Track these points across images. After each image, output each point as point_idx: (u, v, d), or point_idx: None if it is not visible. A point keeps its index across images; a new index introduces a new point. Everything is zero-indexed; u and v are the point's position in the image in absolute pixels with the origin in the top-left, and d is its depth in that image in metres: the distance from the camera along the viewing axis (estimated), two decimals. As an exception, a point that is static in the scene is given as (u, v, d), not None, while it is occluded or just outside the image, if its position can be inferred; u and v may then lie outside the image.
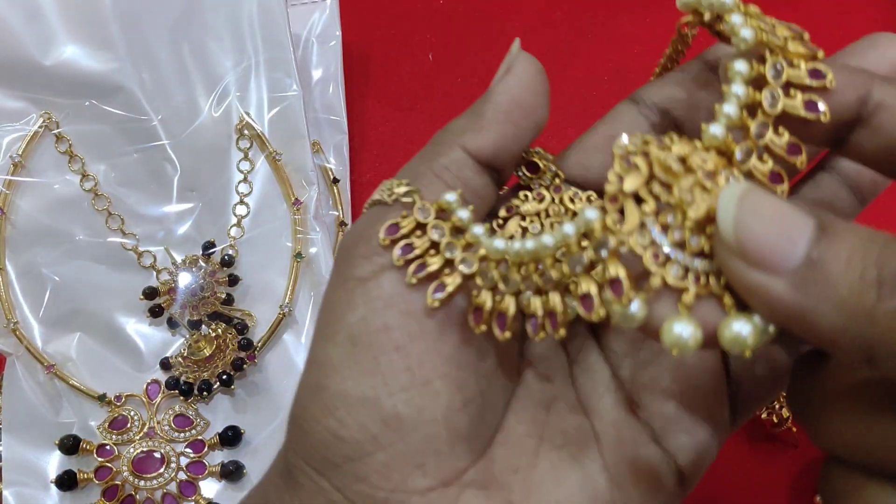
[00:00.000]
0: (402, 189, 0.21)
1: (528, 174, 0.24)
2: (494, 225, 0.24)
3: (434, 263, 0.21)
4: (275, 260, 0.42)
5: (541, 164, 0.24)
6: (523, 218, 0.24)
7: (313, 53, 0.46)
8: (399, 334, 0.21)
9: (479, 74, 0.48)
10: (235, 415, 0.40)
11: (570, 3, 0.51)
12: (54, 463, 0.38)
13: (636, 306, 0.19)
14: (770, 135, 0.20)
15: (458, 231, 0.21)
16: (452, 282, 0.21)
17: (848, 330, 0.17)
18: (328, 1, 0.47)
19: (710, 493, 0.39)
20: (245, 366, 0.40)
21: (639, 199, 0.19)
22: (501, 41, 0.49)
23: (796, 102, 0.20)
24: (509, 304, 0.21)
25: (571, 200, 0.24)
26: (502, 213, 0.24)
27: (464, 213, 0.21)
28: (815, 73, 0.21)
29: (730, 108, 0.20)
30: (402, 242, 0.21)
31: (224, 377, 0.39)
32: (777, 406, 0.38)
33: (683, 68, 0.25)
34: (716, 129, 0.20)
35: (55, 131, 0.42)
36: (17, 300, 0.40)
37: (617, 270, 0.19)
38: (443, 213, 0.21)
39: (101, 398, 0.38)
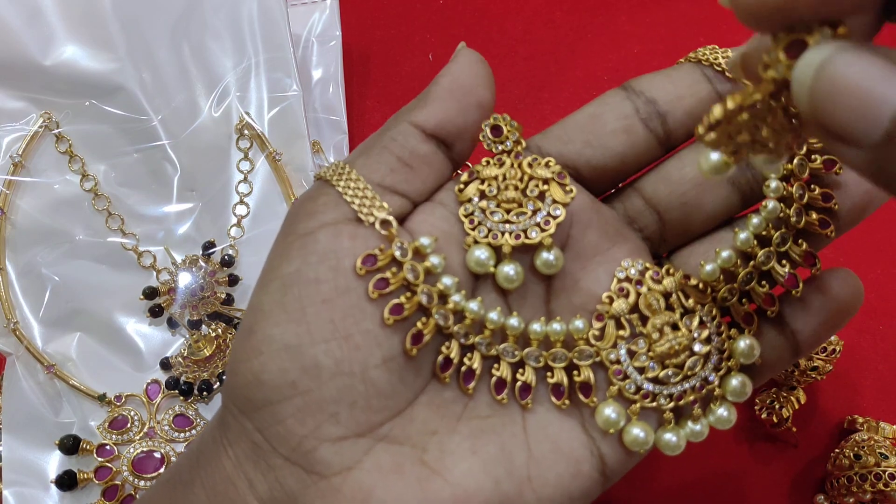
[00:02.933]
0: (382, 215, 0.23)
1: (491, 137, 0.25)
2: (456, 190, 0.25)
3: (410, 309, 0.23)
4: (275, 260, 0.42)
5: (504, 128, 0.25)
6: (482, 182, 0.25)
7: (313, 53, 0.46)
8: (327, 288, 0.22)
9: (479, 74, 0.48)
10: (235, 415, 0.40)
11: (570, 3, 0.51)
12: (54, 463, 0.38)
13: (610, 411, 0.24)
14: (754, 284, 0.25)
15: (430, 274, 0.23)
16: (429, 332, 0.23)
17: None
18: (328, 1, 0.47)
19: (710, 492, 0.39)
20: (245, 366, 0.39)
21: (621, 321, 0.25)
22: (501, 41, 0.49)
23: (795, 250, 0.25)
24: (476, 364, 0.24)
25: (529, 165, 0.25)
26: (464, 177, 0.25)
27: (435, 259, 0.23)
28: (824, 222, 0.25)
29: (726, 253, 0.25)
30: (378, 276, 0.23)
31: (224, 377, 0.39)
32: (777, 406, 0.38)
33: (677, 68, 0.26)
34: (710, 267, 0.25)
35: (55, 131, 0.42)
36: (17, 300, 0.40)
37: (589, 376, 0.24)
38: (417, 253, 0.23)
39: (101, 398, 0.38)
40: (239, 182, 0.42)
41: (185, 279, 0.40)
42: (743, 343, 0.25)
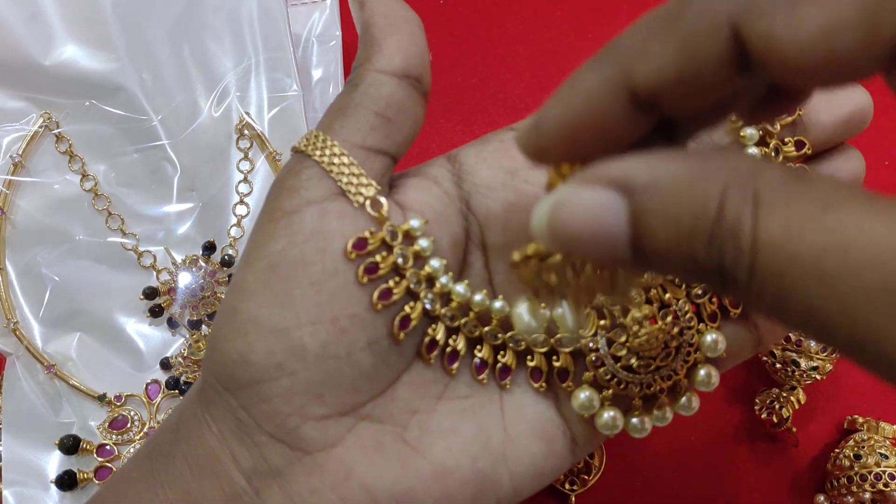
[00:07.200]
0: (371, 193, 0.23)
1: None
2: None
3: (398, 293, 0.23)
4: (275, 260, 0.42)
5: None
6: None
7: (313, 53, 0.46)
8: (315, 270, 0.22)
9: (479, 74, 0.48)
10: (235, 415, 0.40)
11: (570, 3, 0.51)
12: (54, 463, 0.38)
13: (584, 395, 0.25)
14: (705, 300, 0.26)
15: (419, 257, 0.24)
16: (416, 316, 0.23)
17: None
18: (328, 1, 0.47)
19: (710, 492, 0.39)
20: (245, 366, 0.39)
21: (602, 313, 0.25)
22: (501, 41, 0.49)
23: None
24: (461, 345, 0.24)
25: None
26: None
27: (424, 242, 0.23)
28: None
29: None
30: (368, 261, 0.22)
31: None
32: (777, 406, 0.38)
33: None
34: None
35: (55, 131, 0.42)
36: (17, 300, 0.40)
37: (568, 362, 0.25)
38: (407, 236, 0.23)
39: (101, 398, 0.38)
40: (239, 182, 0.42)
41: (185, 279, 0.40)
42: (710, 337, 0.26)
